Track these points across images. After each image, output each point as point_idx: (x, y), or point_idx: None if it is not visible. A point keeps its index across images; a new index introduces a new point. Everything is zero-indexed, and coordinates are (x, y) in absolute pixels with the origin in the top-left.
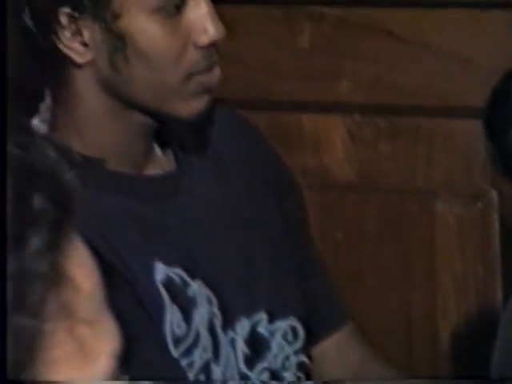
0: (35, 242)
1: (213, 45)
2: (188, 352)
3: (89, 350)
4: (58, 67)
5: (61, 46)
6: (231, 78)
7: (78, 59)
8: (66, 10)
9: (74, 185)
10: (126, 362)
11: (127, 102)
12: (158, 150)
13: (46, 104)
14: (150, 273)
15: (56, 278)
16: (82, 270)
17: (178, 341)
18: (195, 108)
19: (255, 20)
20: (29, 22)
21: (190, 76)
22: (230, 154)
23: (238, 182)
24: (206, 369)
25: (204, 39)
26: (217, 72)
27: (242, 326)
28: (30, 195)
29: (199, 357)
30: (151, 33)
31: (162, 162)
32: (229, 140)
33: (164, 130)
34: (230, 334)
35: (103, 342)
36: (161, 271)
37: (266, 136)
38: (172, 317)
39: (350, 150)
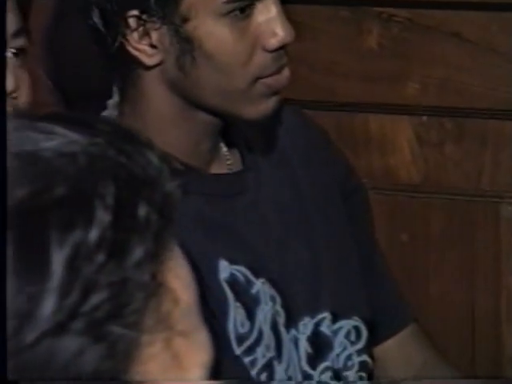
0: (138, 251)
1: (282, 47)
2: (251, 350)
3: (184, 362)
4: (125, 67)
5: (129, 48)
6: (298, 79)
7: (146, 61)
8: (135, 12)
9: (177, 195)
10: (216, 372)
11: (194, 103)
12: (224, 150)
13: (114, 101)
14: (214, 271)
15: (156, 288)
16: (181, 282)
17: (241, 339)
18: (263, 110)
19: (323, 20)
20: (97, 22)
21: (258, 79)
22: (297, 154)
23: (304, 182)
24: (268, 367)
25: (273, 43)
26: (286, 74)
27: (305, 325)
28: (135, 204)
29: (262, 355)
30: (219, 37)
31: (228, 161)
32: (295, 140)
33: (231, 129)
34: (293, 332)
35: (197, 354)
36: (225, 269)
37: (333, 137)
38: (235, 315)
39: (416, 152)
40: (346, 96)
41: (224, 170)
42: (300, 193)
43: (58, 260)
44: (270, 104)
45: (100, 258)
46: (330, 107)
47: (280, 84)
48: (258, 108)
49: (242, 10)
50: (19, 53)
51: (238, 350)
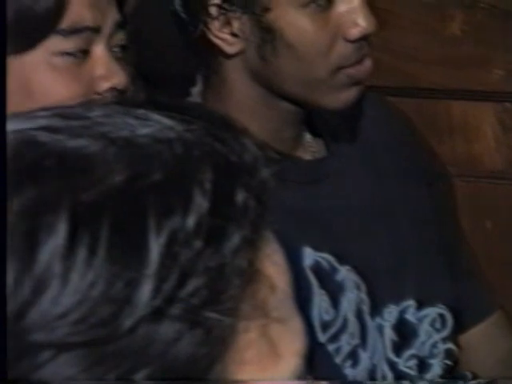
0: (235, 237)
1: (363, 38)
2: (335, 337)
3: (280, 349)
4: (208, 55)
5: (210, 36)
6: (381, 65)
7: (228, 49)
8: (217, 1)
9: (272, 182)
10: (311, 361)
11: (275, 92)
12: (308, 137)
13: (198, 89)
14: (298, 258)
15: (253, 275)
16: (277, 268)
17: (325, 326)
18: (344, 99)
19: (406, 7)
20: (179, 10)
21: (339, 69)
22: (380, 140)
23: (388, 168)
24: (353, 354)
25: (354, 33)
26: (367, 64)
27: (390, 313)
28: (233, 190)
29: (346, 342)
30: (301, 27)
31: (312, 148)
32: (379, 127)
33: (315, 117)
34: (378, 320)
35: (293, 342)
36: (309, 256)
37: (416, 124)
38: (320, 302)
39: (500, 138)
40: (428, 82)
41: (308, 157)
42: (384, 180)
43: (156, 246)
44: (351, 94)
45: (197, 244)
46: (412, 94)
47: (361, 74)
48: (339, 97)
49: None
50: (122, 47)
51: (322, 338)
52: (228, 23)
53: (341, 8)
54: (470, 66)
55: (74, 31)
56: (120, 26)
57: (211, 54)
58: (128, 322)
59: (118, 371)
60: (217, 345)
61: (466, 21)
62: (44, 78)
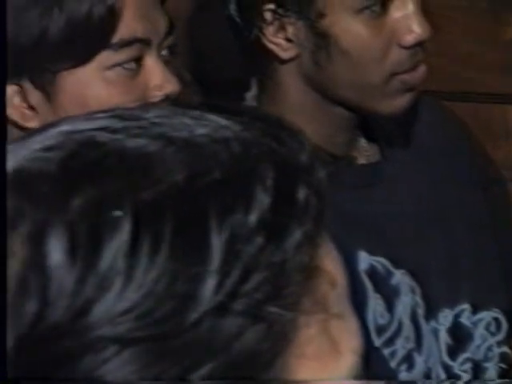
0: (297, 233)
1: (418, 44)
2: (390, 341)
3: (339, 346)
4: (262, 59)
5: (265, 41)
6: (436, 70)
7: (282, 54)
8: (271, 6)
9: (326, 182)
10: (366, 365)
11: (330, 97)
12: (363, 141)
13: (252, 93)
14: (353, 261)
15: (314, 271)
16: (336, 265)
17: (380, 330)
18: (398, 106)
19: (461, 12)
20: (234, 14)
21: (393, 75)
22: (436, 145)
23: (443, 173)
24: (408, 358)
25: (409, 39)
26: (422, 70)
27: (445, 317)
28: (294, 187)
29: (402, 346)
30: (356, 33)
31: (367, 153)
32: (435, 132)
33: (369, 122)
34: (433, 323)
35: (351, 339)
36: (364, 260)
37: (472, 128)
38: (375, 306)
39: None
40: (484, 87)
41: (362, 161)
42: (438, 185)
43: (218, 242)
44: (405, 100)
45: (259, 240)
46: (468, 98)
47: (416, 80)
48: (393, 103)
49: (381, 6)
50: (170, 50)
51: (377, 342)
52: (283, 28)
53: (396, 14)
54: None
55: (125, 44)
56: (169, 32)
57: (266, 59)
58: (192, 317)
59: (181, 366)
60: (278, 339)
61: None
62: (98, 92)
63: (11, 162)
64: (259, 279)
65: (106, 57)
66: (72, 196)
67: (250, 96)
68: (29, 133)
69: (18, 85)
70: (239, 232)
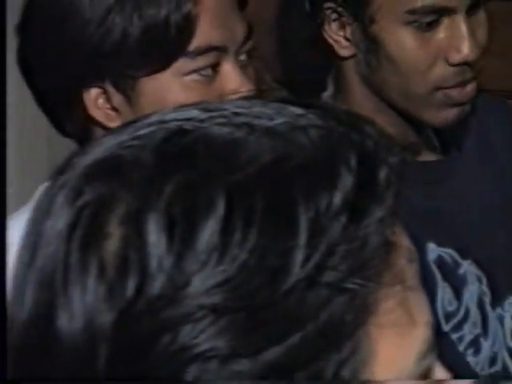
0: (380, 210)
1: (465, 63)
2: (458, 327)
3: (414, 318)
4: (330, 57)
5: (326, 36)
6: (497, 70)
7: (341, 51)
8: (332, 4)
9: (403, 163)
10: (436, 348)
11: (385, 100)
12: (431, 138)
13: (328, 93)
14: (422, 252)
15: (393, 246)
16: (409, 242)
17: (449, 316)
18: (444, 118)
19: None
20: (308, 8)
21: (437, 89)
22: (500, 141)
23: (507, 168)
24: (475, 343)
25: (456, 58)
26: (470, 88)
27: (510, 304)
28: (375, 167)
29: (469, 331)
30: (402, 43)
31: (434, 148)
32: (499, 128)
33: None
34: (499, 310)
35: (425, 312)
36: (433, 251)
37: None
38: (443, 294)
39: None
40: None
41: (430, 158)
42: (502, 178)
43: (304, 219)
44: (450, 114)
45: (343, 217)
46: None
47: (463, 97)
48: (438, 116)
49: (429, 23)
50: (248, 54)
51: (445, 327)
52: (342, 27)
53: (446, 32)
54: None
55: (201, 52)
56: (247, 38)
57: (332, 56)
58: (282, 289)
59: (272, 335)
60: (361, 310)
61: None
62: (176, 96)
63: (103, 151)
64: (344, 253)
65: (183, 64)
66: (167, 179)
67: (326, 95)
68: (121, 125)
69: (101, 88)
70: (324, 210)
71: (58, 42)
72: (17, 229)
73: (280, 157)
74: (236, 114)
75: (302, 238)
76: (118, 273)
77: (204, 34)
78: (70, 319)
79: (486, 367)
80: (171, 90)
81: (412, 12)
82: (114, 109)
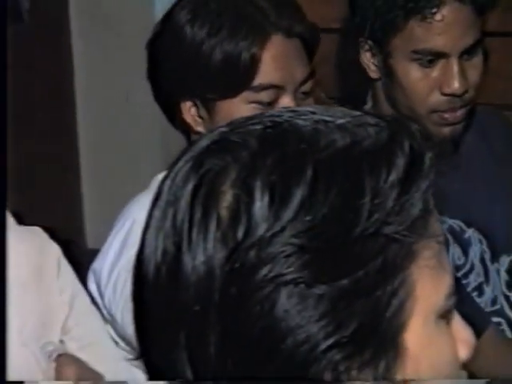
0: (424, 183)
1: (455, 95)
2: (465, 276)
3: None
4: (368, 79)
5: (362, 61)
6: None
7: (372, 74)
8: (370, 42)
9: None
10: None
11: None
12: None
13: (368, 106)
14: None
15: (431, 210)
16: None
17: (458, 268)
18: (442, 134)
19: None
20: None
21: (433, 111)
22: (498, 141)
23: (504, 160)
24: (479, 288)
25: (447, 90)
26: (460, 114)
27: (504, 260)
28: (423, 152)
29: (473, 280)
30: (408, 73)
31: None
32: (496, 132)
33: None
34: (496, 265)
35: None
36: (445, 222)
37: None
38: (454, 251)
39: None
40: None
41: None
42: (500, 169)
43: (369, 186)
44: (444, 132)
45: (397, 187)
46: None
47: (454, 119)
48: (438, 131)
49: (429, 61)
50: (305, 93)
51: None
52: (373, 56)
53: (442, 70)
54: None
55: (263, 88)
56: (307, 79)
57: (368, 78)
58: (352, 235)
59: (344, 269)
60: (407, 255)
61: None
62: None
63: (214, 137)
64: (397, 212)
65: (248, 94)
66: (267, 156)
67: (367, 108)
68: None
69: (193, 102)
70: (384, 181)
71: (172, 62)
72: (138, 208)
73: (350, 143)
74: (313, 112)
75: (367, 200)
76: (230, 221)
77: (266, 73)
78: (192, 258)
79: (489, 306)
80: (238, 113)
81: (416, 52)
82: (200, 117)
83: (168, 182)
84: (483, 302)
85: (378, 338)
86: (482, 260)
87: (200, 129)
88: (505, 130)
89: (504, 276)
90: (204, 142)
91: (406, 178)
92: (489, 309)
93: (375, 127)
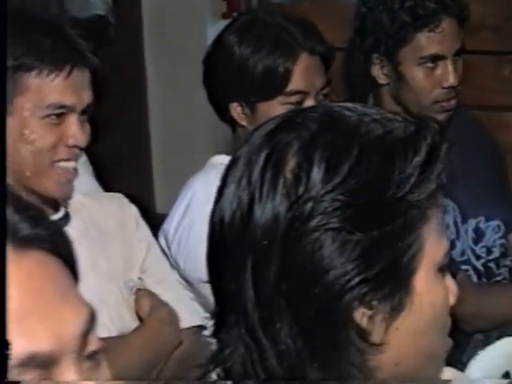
0: (439, 167)
1: (451, 87)
2: None
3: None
4: (374, 83)
5: (373, 73)
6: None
7: (381, 81)
8: (376, 55)
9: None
10: None
11: (408, 111)
12: None
13: (369, 104)
14: None
15: (441, 186)
16: None
17: None
18: (440, 118)
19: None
20: (362, 58)
21: (436, 102)
22: (471, 134)
23: (475, 149)
24: (452, 243)
25: (446, 84)
26: (454, 102)
27: (471, 223)
28: (441, 144)
29: (448, 237)
30: (416, 75)
31: None
32: (469, 127)
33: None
34: (465, 226)
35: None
36: None
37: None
38: None
39: None
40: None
41: None
42: (472, 154)
43: (398, 166)
44: (441, 118)
45: (420, 167)
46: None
47: (450, 107)
48: (437, 117)
49: (432, 62)
50: (326, 95)
51: None
52: (382, 68)
53: (441, 69)
54: None
55: (293, 94)
56: (325, 86)
57: (375, 83)
58: (383, 199)
59: (371, 223)
60: (422, 218)
61: None
62: None
63: (277, 121)
64: (418, 186)
65: (282, 98)
66: (324, 136)
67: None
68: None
69: (239, 103)
70: (410, 162)
71: (223, 74)
72: (197, 184)
73: (385, 131)
74: (355, 108)
75: (396, 174)
76: (293, 181)
77: (296, 82)
78: (263, 207)
79: (459, 257)
80: (274, 112)
81: (422, 58)
82: (245, 114)
83: (245, 149)
84: (455, 253)
85: (395, 278)
86: (455, 223)
87: (244, 123)
88: (470, 122)
89: (471, 234)
90: (272, 124)
91: (426, 161)
92: (459, 259)
93: (403, 122)
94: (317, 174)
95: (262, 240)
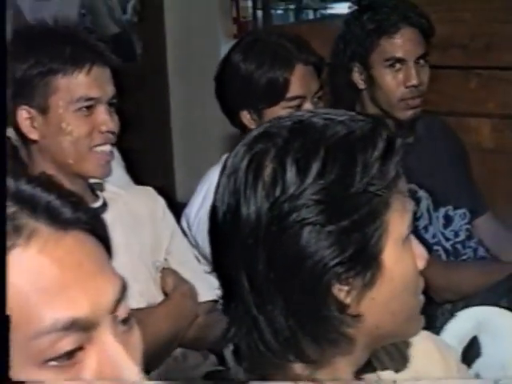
0: (396, 158)
1: (413, 87)
2: (417, 219)
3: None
4: (357, 89)
5: (353, 80)
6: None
7: (360, 86)
8: (358, 64)
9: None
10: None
11: (382, 110)
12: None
13: (357, 109)
14: None
15: (400, 175)
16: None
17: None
18: (407, 115)
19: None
20: (345, 64)
21: (401, 100)
22: (441, 136)
23: (445, 149)
24: (425, 228)
25: (408, 84)
26: (418, 100)
27: (441, 210)
28: (396, 139)
29: (422, 223)
30: (384, 77)
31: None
32: (439, 131)
33: (403, 125)
34: (436, 213)
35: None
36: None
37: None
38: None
39: None
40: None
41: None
42: (444, 152)
43: (360, 161)
44: (408, 114)
45: (379, 160)
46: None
47: (414, 104)
48: (404, 114)
49: (396, 63)
50: (319, 98)
51: None
52: (361, 73)
53: (404, 72)
54: None
55: (292, 99)
56: (318, 91)
57: (358, 88)
58: (348, 192)
59: (343, 215)
60: (385, 205)
61: None
62: None
63: (259, 130)
64: (379, 177)
65: (284, 103)
66: (293, 142)
67: (356, 110)
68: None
69: (247, 110)
70: (369, 157)
71: (233, 86)
72: (213, 176)
73: (348, 132)
74: (324, 113)
75: (359, 169)
76: (271, 184)
77: (294, 89)
78: (247, 208)
79: (431, 239)
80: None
81: (387, 60)
82: (253, 119)
83: (230, 160)
84: (428, 236)
85: (366, 258)
86: (428, 210)
87: (252, 127)
88: (441, 126)
89: (441, 220)
90: (253, 134)
91: (384, 155)
92: (431, 241)
93: (363, 122)
94: (290, 176)
95: (249, 237)
